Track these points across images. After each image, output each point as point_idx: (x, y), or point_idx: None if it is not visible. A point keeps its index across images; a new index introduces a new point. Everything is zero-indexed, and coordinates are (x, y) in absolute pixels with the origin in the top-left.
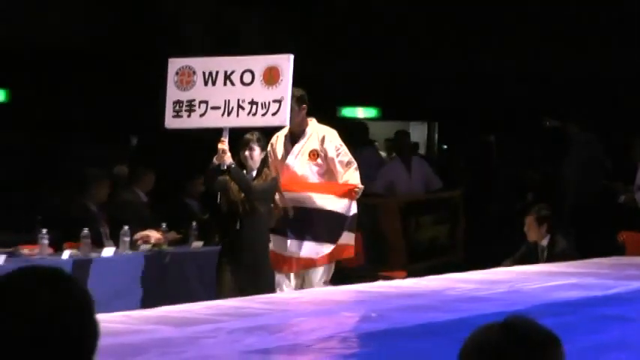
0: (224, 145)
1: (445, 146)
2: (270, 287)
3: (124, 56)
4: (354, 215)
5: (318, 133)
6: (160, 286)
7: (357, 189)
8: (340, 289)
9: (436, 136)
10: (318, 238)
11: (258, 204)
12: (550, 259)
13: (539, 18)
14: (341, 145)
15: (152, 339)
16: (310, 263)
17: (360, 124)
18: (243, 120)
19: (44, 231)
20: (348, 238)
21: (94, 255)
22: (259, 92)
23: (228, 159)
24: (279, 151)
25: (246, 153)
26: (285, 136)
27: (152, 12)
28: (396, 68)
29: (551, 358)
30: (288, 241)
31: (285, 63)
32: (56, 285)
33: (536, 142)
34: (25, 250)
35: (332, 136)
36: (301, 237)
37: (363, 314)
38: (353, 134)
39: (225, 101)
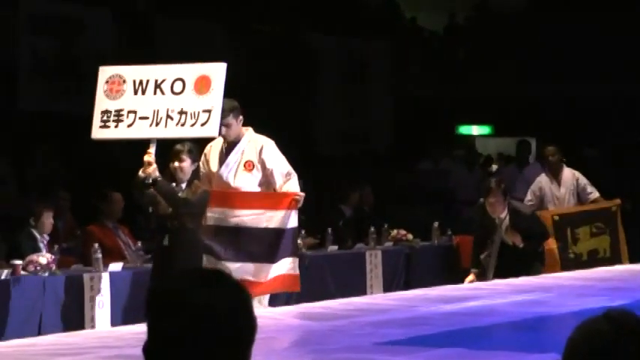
0: (150, 157)
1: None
2: None
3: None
4: (294, 231)
5: (256, 143)
6: (300, 285)
7: (297, 196)
8: (462, 286)
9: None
10: (253, 259)
11: (188, 219)
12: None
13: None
14: (280, 155)
15: (296, 332)
16: (254, 286)
17: (524, 143)
18: (171, 131)
19: None
20: (290, 266)
21: None
22: (189, 102)
23: (154, 172)
24: (213, 162)
25: (176, 164)
26: (220, 146)
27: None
28: (506, 90)
29: None
30: (224, 263)
31: (218, 72)
32: (215, 284)
33: (633, 154)
34: None
35: (270, 146)
36: (235, 258)
37: (479, 310)
38: (520, 152)
39: (154, 111)
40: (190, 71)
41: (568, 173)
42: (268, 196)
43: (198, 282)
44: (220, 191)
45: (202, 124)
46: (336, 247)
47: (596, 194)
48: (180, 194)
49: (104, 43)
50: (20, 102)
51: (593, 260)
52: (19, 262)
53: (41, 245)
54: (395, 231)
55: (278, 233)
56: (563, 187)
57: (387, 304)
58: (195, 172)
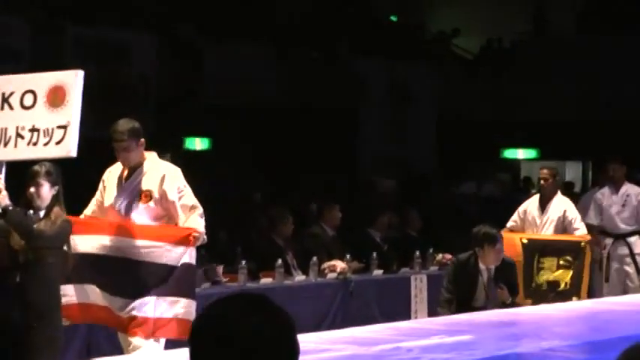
0: None
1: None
2: (56, 352)
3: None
4: (187, 267)
5: (158, 171)
6: (345, 309)
7: (196, 234)
8: (508, 311)
9: (590, 174)
10: (151, 294)
11: (45, 253)
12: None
13: None
14: (185, 186)
15: (340, 357)
16: (141, 322)
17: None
18: (22, 151)
19: (243, 262)
20: (185, 310)
21: (287, 282)
22: (42, 117)
23: (3, 199)
24: (109, 190)
25: (32, 190)
26: (120, 172)
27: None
28: (552, 113)
29: None
30: (117, 298)
31: (73, 81)
32: (260, 309)
33: None
34: (226, 279)
35: (174, 175)
36: (130, 293)
37: (527, 334)
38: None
39: (2, 129)
40: (41, 81)
41: (558, 202)
42: (165, 229)
43: (244, 309)
44: (116, 221)
45: (57, 143)
46: (381, 272)
47: (583, 231)
48: (36, 225)
49: (149, 68)
50: None
51: (552, 291)
52: None
53: None
54: (440, 255)
55: (167, 268)
56: (546, 215)
57: (432, 329)
58: (56, 197)
